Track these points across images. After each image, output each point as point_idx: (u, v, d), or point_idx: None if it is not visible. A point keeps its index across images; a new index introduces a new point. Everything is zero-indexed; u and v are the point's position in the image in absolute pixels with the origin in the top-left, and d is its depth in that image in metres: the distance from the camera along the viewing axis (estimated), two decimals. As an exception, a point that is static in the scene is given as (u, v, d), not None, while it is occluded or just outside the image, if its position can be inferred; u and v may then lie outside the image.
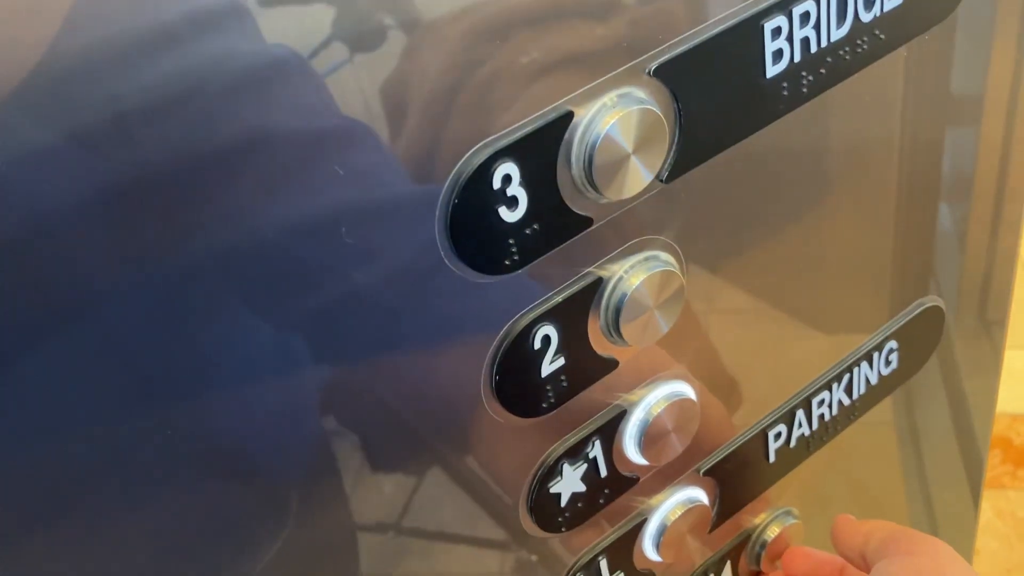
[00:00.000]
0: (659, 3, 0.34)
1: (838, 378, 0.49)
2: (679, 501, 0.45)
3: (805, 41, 0.37)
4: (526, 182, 0.32)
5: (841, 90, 0.40)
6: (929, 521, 0.66)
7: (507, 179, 0.32)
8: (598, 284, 0.37)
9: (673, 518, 0.45)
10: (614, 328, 0.37)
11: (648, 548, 0.46)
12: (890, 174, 0.46)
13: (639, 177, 0.34)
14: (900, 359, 0.51)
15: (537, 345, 0.36)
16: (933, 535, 0.66)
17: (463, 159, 0.31)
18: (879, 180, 0.46)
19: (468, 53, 0.31)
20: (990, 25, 0.45)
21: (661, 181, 0.36)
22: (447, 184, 0.31)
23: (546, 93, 0.32)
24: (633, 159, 0.34)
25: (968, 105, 0.48)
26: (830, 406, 0.50)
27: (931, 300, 0.51)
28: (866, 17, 0.38)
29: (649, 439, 0.41)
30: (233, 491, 0.34)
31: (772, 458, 0.49)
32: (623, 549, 0.45)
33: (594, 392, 0.39)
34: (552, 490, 0.40)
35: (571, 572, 0.43)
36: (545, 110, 0.32)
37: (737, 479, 0.48)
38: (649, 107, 0.33)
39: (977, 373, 0.59)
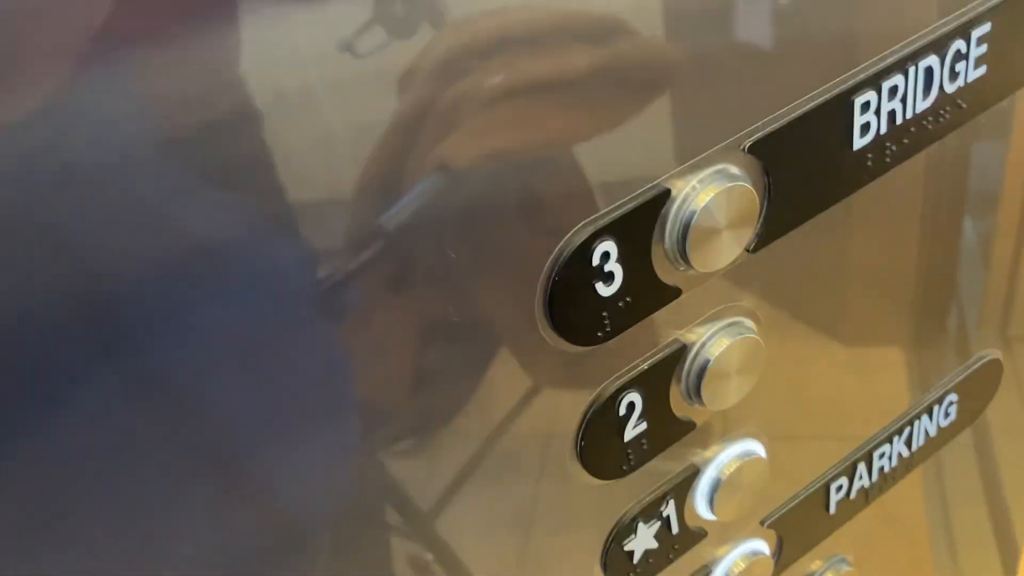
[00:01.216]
0: (753, 81, 0.34)
1: (899, 431, 0.49)
2: (743, 553, 0.46)
3: (891, 113, 0.37)
4: (623, 258, 0.33)
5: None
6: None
7: (605, 256, 0.32)
8: (682, 351, 0.37)
9: (736, 571, 0.46)
10: (695, 393, 0.38)
11: (711, 599, 0.46)
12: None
13: (730, 250, 0.35)
14: (958, 411, 0.52)
15: (622, 411, 0.36)
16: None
17: (565, 238, 0.31)
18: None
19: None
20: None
21: (748, 251, 0.36)
22: (548, 261, 0.31)
23: (641, 169, 0.33)
24: (725, 233, 0.34)
25: (996, 119, 0.47)
26: (890, 458, 0.50)
27: (991, 352, 0.52)
28: (950, 88, 0.39)
29: (720, 497, 0.42)
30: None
31: (832, 510, 0.49)
32: (687, 600, 0.45)
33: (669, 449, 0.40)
34: (626, 548, 0.40)
35: (637, 623, 0.44)
36: (643, 188, 0.33)
37: (798, 530, 0.48)
38: (743, 183, 0.34)
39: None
